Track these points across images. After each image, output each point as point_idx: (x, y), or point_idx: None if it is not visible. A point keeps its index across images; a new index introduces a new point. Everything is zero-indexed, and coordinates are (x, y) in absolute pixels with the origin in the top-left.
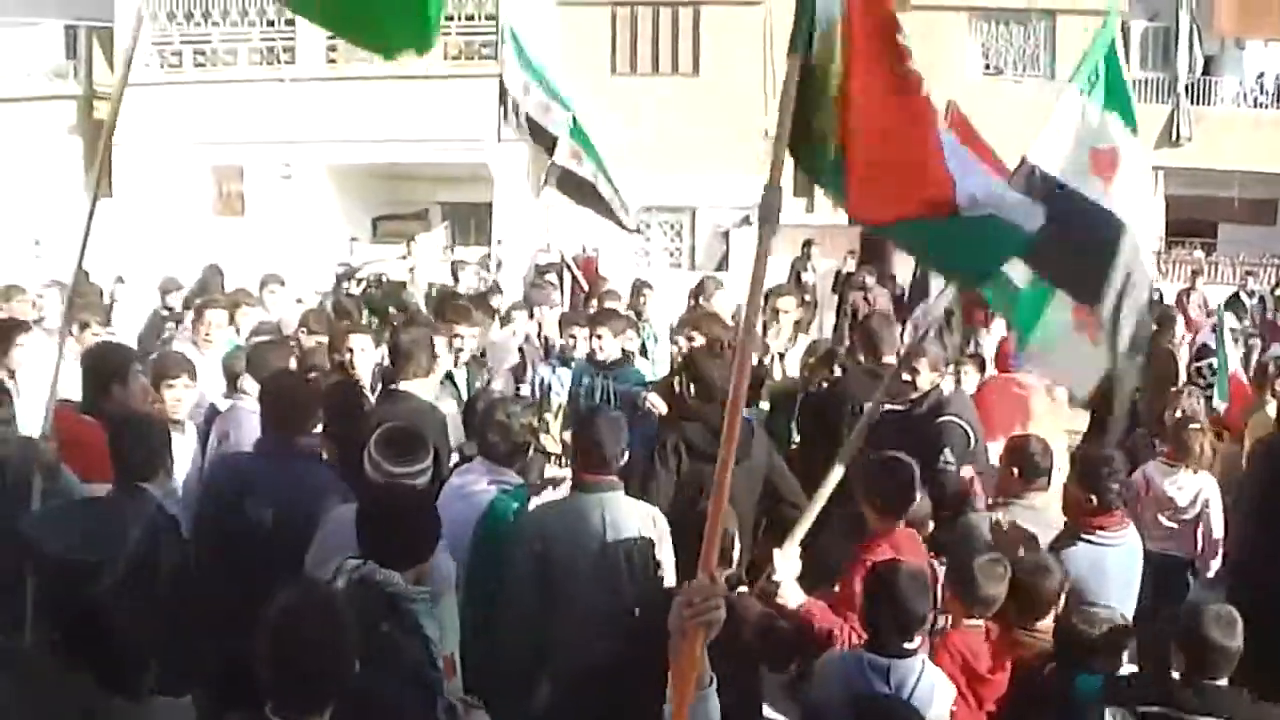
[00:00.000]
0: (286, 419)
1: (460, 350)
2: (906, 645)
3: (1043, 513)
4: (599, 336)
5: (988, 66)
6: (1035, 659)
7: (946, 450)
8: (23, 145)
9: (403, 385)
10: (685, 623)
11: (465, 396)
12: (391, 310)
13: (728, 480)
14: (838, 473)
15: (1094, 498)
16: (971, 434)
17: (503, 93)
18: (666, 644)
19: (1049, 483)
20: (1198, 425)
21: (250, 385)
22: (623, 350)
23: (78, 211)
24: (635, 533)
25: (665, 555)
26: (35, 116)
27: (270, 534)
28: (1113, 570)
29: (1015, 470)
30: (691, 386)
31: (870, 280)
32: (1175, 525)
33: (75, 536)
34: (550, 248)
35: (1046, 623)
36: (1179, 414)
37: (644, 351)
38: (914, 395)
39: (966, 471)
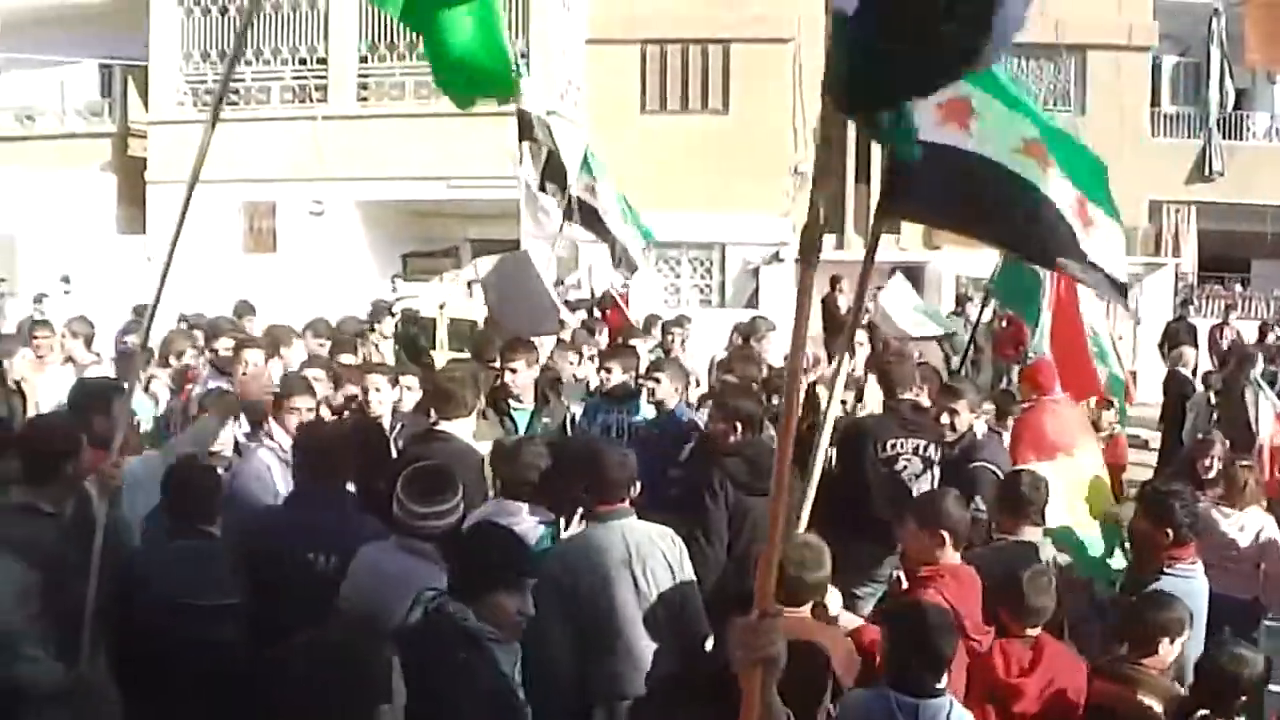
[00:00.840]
0: (322, 468)
1: (513, 385)
2: (936, 685)
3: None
4: (607, 370)
5: None
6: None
7: (978, 498)
8: (58, 181)
9: (442, 425)
10: (740, 661)
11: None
12: (423, 345)
13: (781, 515)
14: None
15: (1170, 532)
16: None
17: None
18: (714, 667)
19: (1042, 517)
20: (1247, 462)
21: (276, 430)
22: (636, 384)
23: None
24: (660, 553)
25: (688, 573)
26: (71, 153)
27: (317, 584)
28: (1193, 604)
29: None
30: (734, 423)
31: None
32: (1235, 566)
33: (200, 579)
34: (581, 284)
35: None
36: (1216, 458)
37: None
38: (951, 438)
39: None
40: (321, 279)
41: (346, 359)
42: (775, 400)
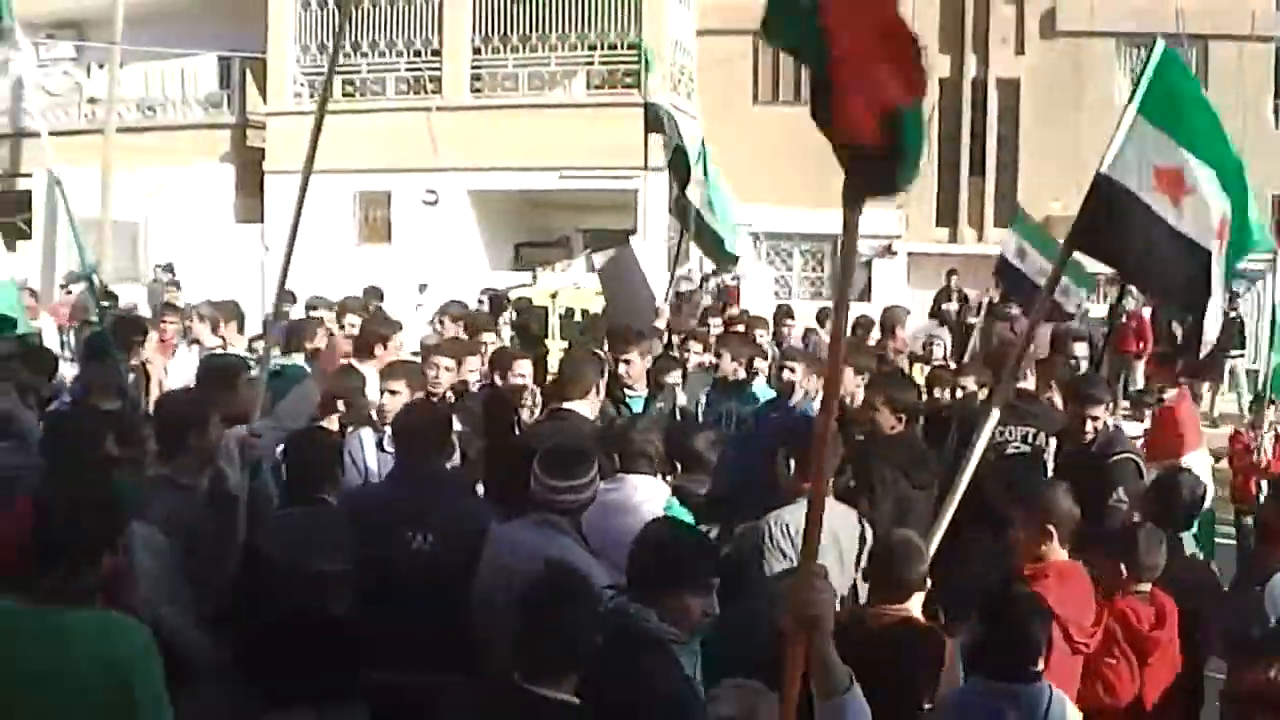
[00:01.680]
0: (419, 448)
1: (629, 374)
2: (1033, 669)
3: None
4: (717, 356)
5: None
6: None
7: (1120, 489)
8: (178, 172)
9: (565, 405)
10: (787, 621)
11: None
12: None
13: (824, 481)
14: (953, 503)
15: None
16: (1144, 471)
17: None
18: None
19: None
20: None
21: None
22: (747, 372)
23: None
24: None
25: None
26: (191, 144)
27: (421, 563)
28: None
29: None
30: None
31: (1015, 310)
32: None
33: (320, 547)
34: (692, 274)
35: None
36: None
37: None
38: (1089, 436)
39: None
40: (435, 269)
41: (489, 338)
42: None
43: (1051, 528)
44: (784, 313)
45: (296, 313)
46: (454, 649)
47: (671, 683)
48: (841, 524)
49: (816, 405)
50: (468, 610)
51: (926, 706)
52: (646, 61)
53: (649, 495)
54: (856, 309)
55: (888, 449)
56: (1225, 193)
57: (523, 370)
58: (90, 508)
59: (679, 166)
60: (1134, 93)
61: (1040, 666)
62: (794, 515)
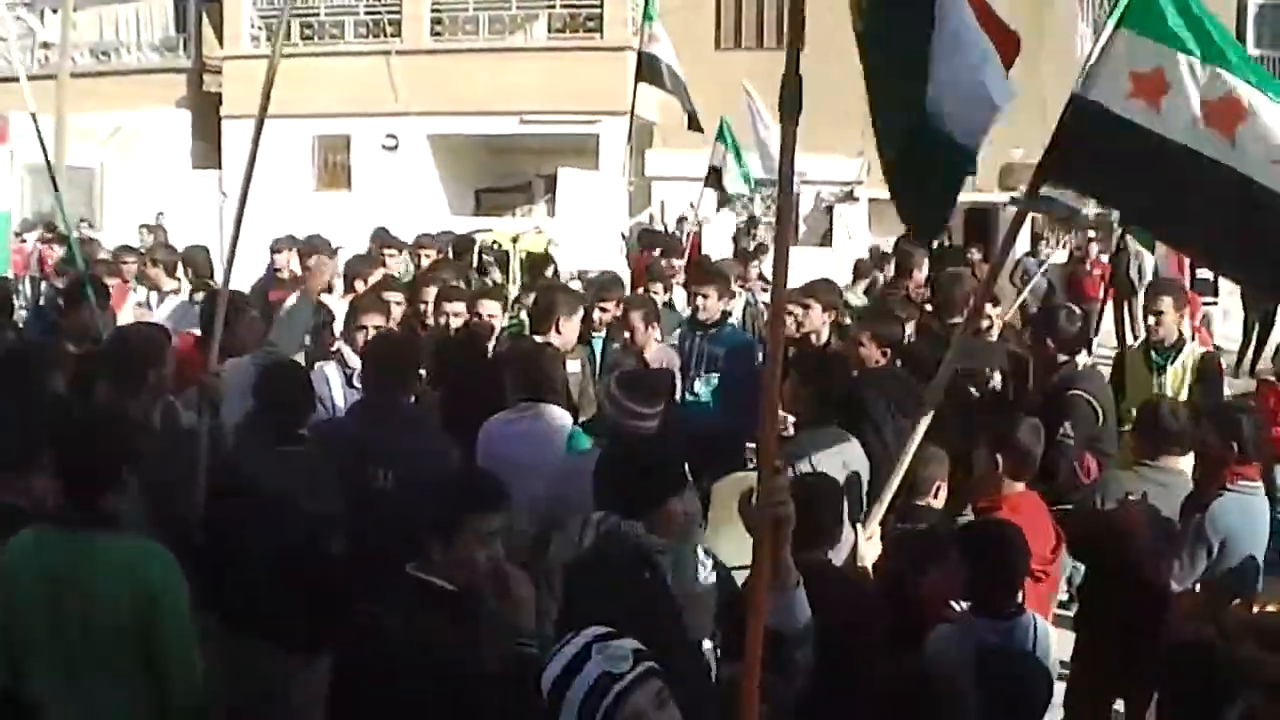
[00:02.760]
0: (389, 379)
1: (598, 321)
2: (1018, 602)
3: (1177, 478)
4: (704, 296)
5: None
6: None
7: (1067, 424)
8: (134, 118)
9: (536, 338)
10: (755, 517)
11: (599, 362)
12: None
13: (775, 391)
14: (912, 446)
15: (1236, 446)
16: (1100, 413)
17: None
18: None
19: (1186, 449)
20: None
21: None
22: (722, 313)
23: (186, 183)
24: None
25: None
26: (146, 89)
27: (388, 499)
28: (1254, 522)
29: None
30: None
31: (976, 255)
32: None
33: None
34: (653, 220)
35: None
36: None
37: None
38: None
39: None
40: (395, 214)
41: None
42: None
43: (1006, 460)
44: (754, 253)
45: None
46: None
47: (668, 594)
48: (853, 457)
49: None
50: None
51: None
52: (647, 12)
53: (560, 424)
54: (818, 254)
55: (878, 383)
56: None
57: (492, 310)
58: (103, 433)
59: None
60: (1112, 10)
61: (1020, 598)
62: (811, 445)
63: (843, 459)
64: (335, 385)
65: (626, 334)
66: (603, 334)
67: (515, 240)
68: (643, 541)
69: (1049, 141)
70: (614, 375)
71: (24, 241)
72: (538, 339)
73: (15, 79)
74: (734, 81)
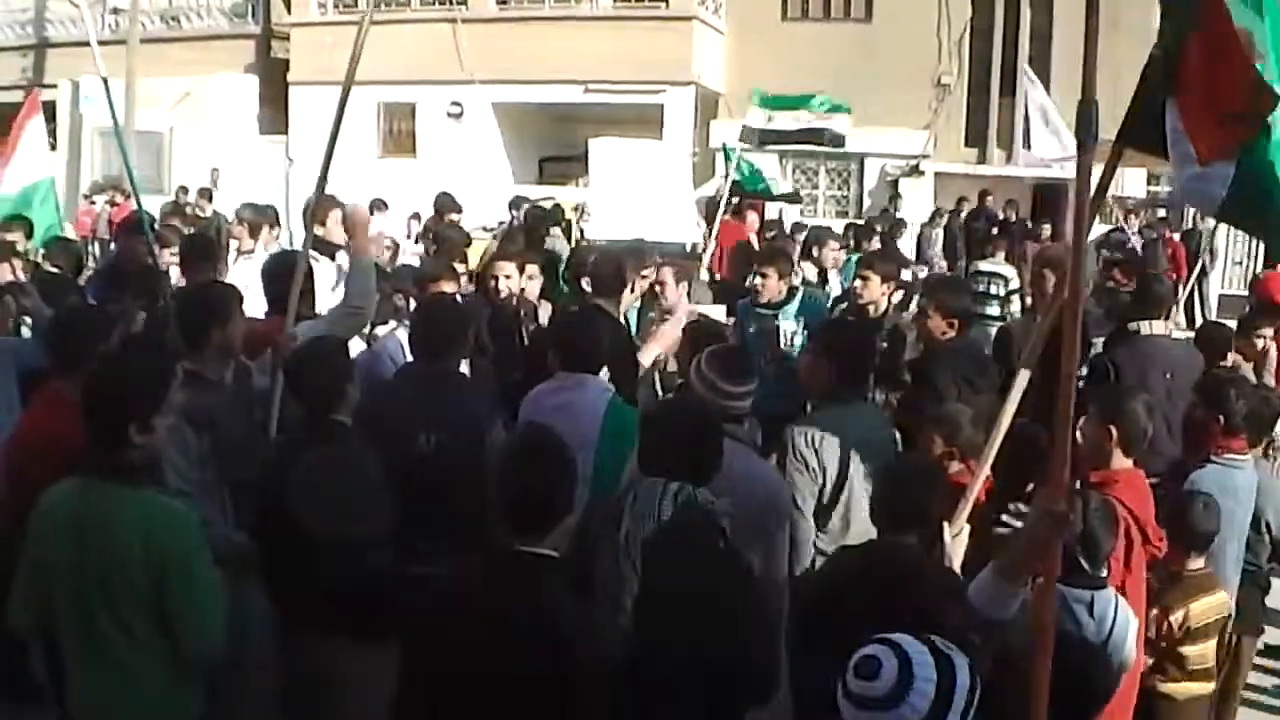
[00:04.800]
0: (437, 345)
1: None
2: (1101, 574)
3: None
4: (764, 276)
5: None
6: None
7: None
8: (202, 83)
9: (597, 302)
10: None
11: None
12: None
13: (1071, 399)
14: (1000, 431)
15: (1222, 419)
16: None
17: None
18: None
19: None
20: None
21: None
22: (788, 290)
23: (253, 148)
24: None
25: None
26: (215, 54)
27: (434, 462)
28: (1239, 496)
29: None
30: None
31: (1045, 231)
32: None
33: (360, 511)
34: (717, 191)
35: None
36: None
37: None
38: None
39: None
40: (459, 182)
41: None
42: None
43: (1116, 432)
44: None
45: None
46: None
47: (743, 560)
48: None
49: None
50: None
51: None
52: None
53: (598, 396)
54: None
55: (945, 355)
56: None
57: (508, 272)
58: (128, 384)
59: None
60: None
61: (1105, 572)
62: (819, 424)
63: (859, 436)
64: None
65: (657, 289)
66: (637, 302)
67: (577, 209)
68: (716, 509)
69: (1129, 104)
70: (703, 355)
71: (93, 204)
72: (600, 303)
73: (86, 43)
74: (799, 52)
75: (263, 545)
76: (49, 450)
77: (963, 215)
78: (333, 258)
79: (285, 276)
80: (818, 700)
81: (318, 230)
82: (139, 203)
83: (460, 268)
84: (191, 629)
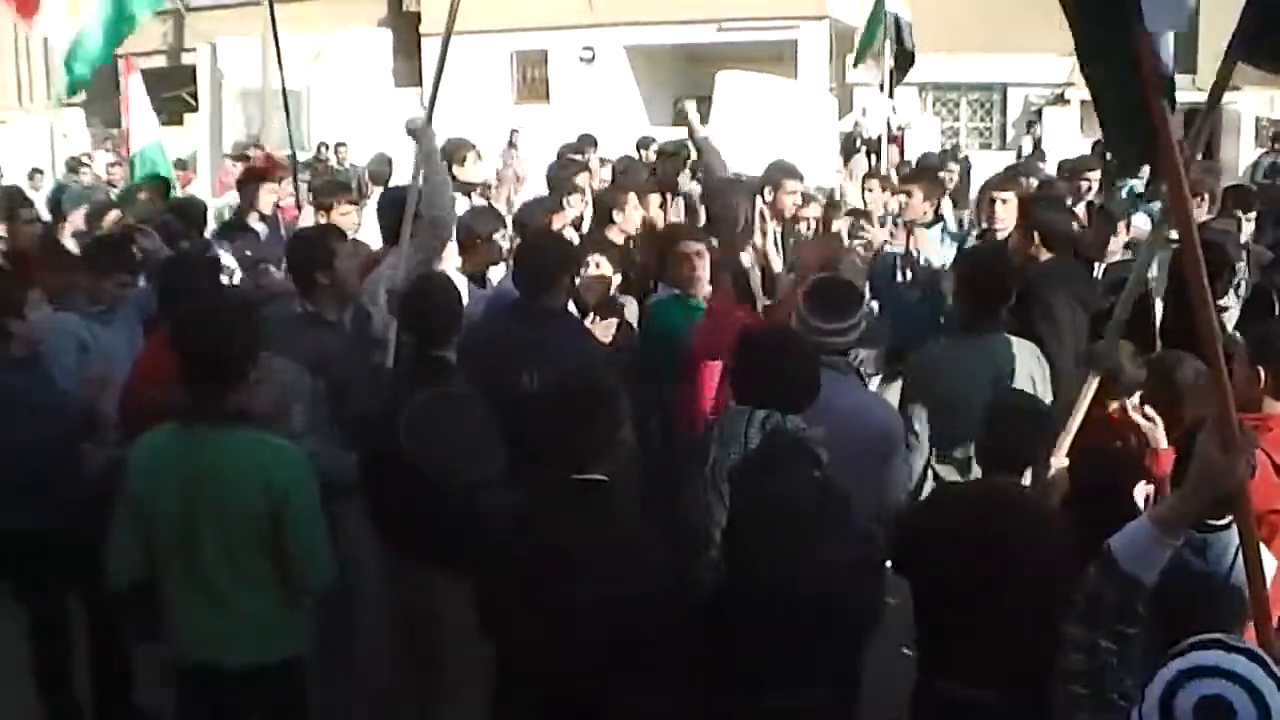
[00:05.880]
0: (537, 280)
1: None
2: (1221, 519)
3: None
4: (908, 194)
5: None
6: None
7: None
8: (337, 38)
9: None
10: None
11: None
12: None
13: (1214, 334)
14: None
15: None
16: None
17: None
18: None
19: None
20: None
21: None
22: (936, 213)
23: (388, 102)
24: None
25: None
26: (349, 9)
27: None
28: None
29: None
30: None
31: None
32: None
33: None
34: (857, 125)
35: None
36: None
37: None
38: None
39: None
40: (594, 126)
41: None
42: None
43: (1265, 374)
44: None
45: None
46: None
47: (832, 486)
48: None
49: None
50: None
51: None
52: None
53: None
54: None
55: (1051, 276)
56: None
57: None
58: (228, 330)
59: None
60: None
61: (1226, 518)
62: (942, 354)
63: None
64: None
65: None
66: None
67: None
68: (807, 436)
69: (1238, 19)
70: (801, 293)
71: (237, 164)
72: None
73: (224, 6)
74: None
75: (373, 482)
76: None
77: None
78: (469, 196)
79: (394, 210)
80: None
81: (456, 171)
82: (295, 160)
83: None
84: (308, 563)
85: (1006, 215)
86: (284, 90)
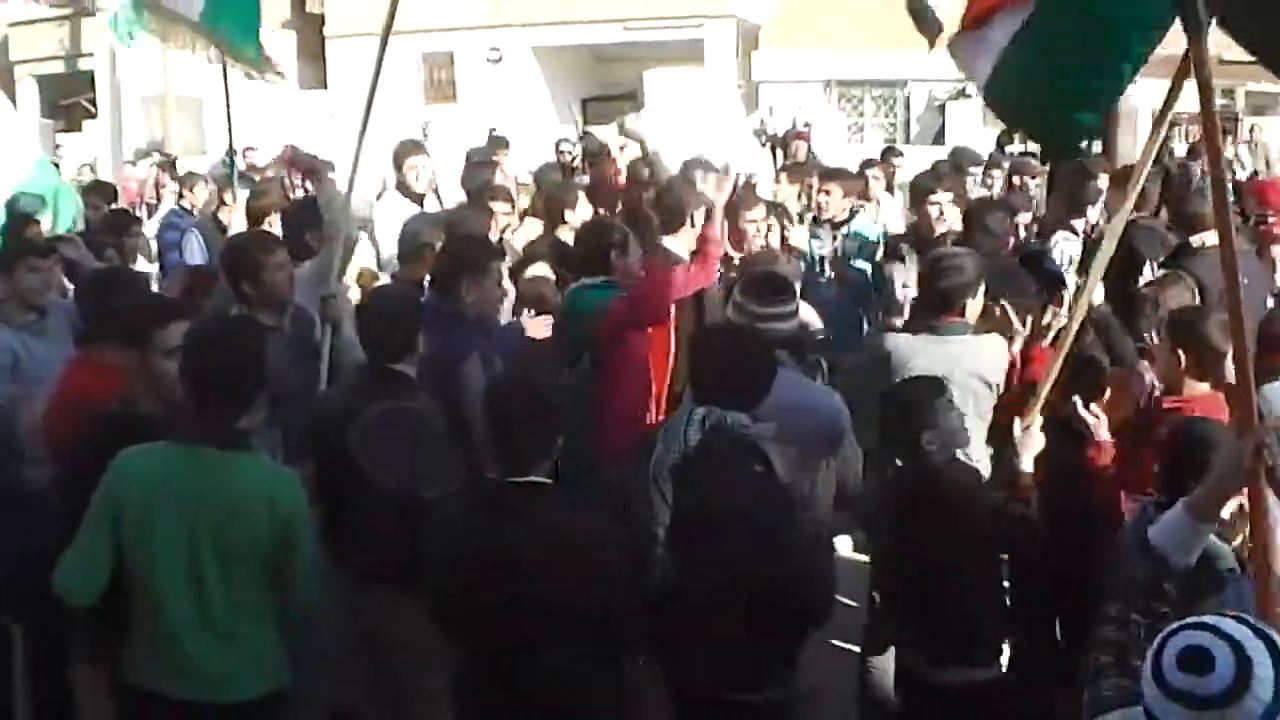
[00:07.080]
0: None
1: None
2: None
3: None
4: (827, 192)
5: None
6: None
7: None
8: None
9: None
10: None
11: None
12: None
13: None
14: (1069, 337)
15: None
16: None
17: None
18: None
19: None
20: None
21: None
22: (851, 211)
23: (293, 105)
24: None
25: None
26: None
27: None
28: None
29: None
30: None
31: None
32: None
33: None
34: (763, 123)
35: None
36: None
37: None
38: None
39: None
40: (502, 126)
41: None
42: None
43: (1186, 356)
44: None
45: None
46: None
47: (777, 482)
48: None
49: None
50: None
51: None
52: None
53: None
54: (929, 153)
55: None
56: None
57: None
58: (241, 352)
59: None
60: None
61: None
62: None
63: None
64: None
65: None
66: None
67: (623, 149)
68: (750, 433)
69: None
70: (738, 284)
71: (136, 169)
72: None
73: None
74: None
75: (324, 499)
76: (84, 410)
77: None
78: (420, 203)
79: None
80: None
81: (404, 175)
82: (233, 166)
83: (504, 207)
84: (303, 587)
85: (949, 215)
86: (226, 95)
